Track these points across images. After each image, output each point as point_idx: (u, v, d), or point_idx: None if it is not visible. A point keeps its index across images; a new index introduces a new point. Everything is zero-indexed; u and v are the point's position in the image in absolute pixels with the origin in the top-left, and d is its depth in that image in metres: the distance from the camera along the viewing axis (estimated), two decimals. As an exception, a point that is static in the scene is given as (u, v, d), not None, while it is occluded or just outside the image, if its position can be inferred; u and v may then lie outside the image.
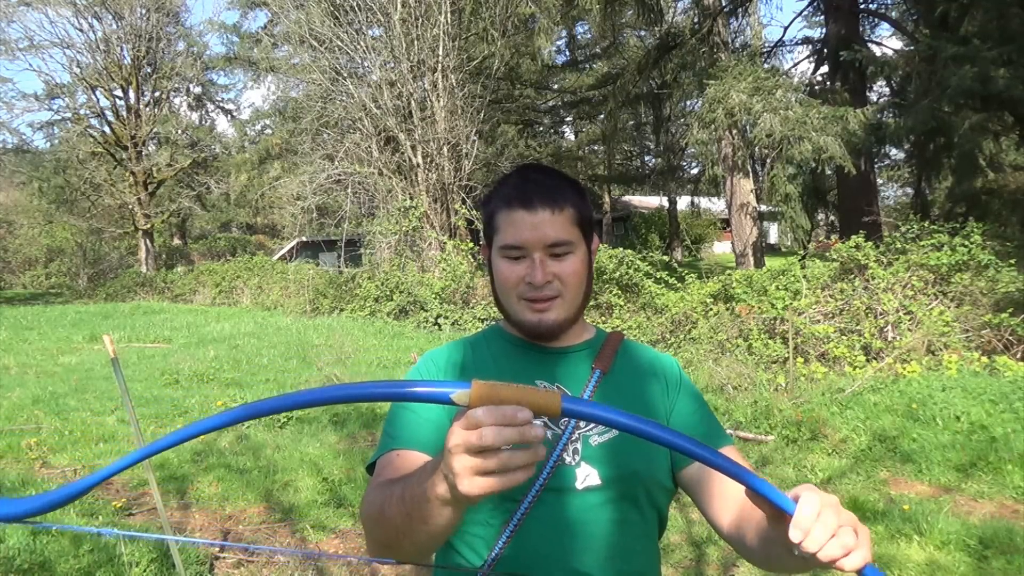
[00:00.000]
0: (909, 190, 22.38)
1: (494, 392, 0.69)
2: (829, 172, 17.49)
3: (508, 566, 1.04)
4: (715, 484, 1.08)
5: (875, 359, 7.20)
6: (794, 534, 0.72)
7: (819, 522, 0.72)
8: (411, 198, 15.20)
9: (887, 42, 30.77)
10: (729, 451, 1.11)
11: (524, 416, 0.68)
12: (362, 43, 15.78)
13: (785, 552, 0.79)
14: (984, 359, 6.64)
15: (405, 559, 0.89)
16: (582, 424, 1.08)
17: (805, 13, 20.46)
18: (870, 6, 17.12)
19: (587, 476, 1.06)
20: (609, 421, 0.73)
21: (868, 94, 16.21)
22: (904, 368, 6.60)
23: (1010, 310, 6.94)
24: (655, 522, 1.14)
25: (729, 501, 1.06)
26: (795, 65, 32.69)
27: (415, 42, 15.11)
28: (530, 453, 0.69)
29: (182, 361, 8.97)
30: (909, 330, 7.30)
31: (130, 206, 26.75)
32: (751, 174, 16.76)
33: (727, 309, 8.73)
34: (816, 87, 15.79)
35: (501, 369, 1.13)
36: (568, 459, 1.06)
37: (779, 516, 0.76)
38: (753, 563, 1.02)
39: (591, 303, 10.28)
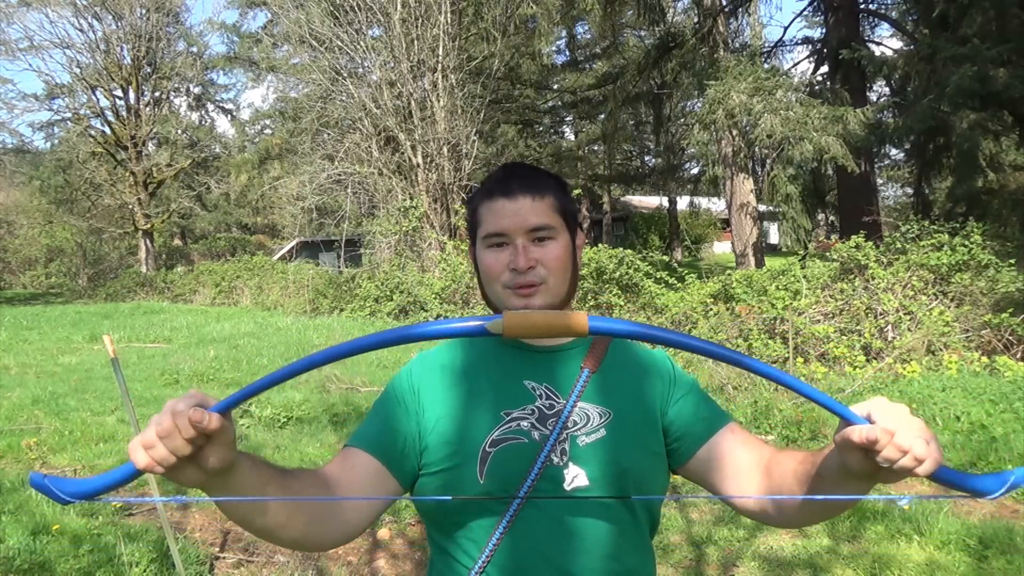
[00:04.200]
0: (909, 190, 22.36)
1: (525, 319, 0.77)
2: (829, 172, 17.50)
3: (500, 568, 1.04)
4: (728, 460, 1.09)
5: (875, 359, 7.20)
6: (878, 435, 0.75)
7: (903, 430, 0.75)
8: (411, 198, 15.21)
9: (887, 42, 30.79)
10: (732, 428, 1.13)
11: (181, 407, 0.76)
12: (362, 43, 15.78)
13: (841, 476, 0.85)
14: (984, 359, 6.63)
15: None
16: (570, 424, 1.08)
17: (805, 13, 20.44)
18: (870, 6, 17.11)
19: (575, 477, 1.05)
20: (639, 335, 0.78)
21: (868, 94, 16.21)
22: (904, 368, 6.59)
23: (1010, 310, 6.94)
24: (646, 521, 1.14)
25: (748, 473, 1.07)
26: (795, 65, 32.67)
27: (415, 42, 15.11)
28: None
29: (182, 361, 8.96)
30: (909, 330, 7.30)
31: (130, 206, 26.76)
32: (751, 174, 16.77)
33: (727, 309, 8.72)
34: (816, 87, 15.79)
35: (490, 370, 1.13)
36: (556, 459, 1.06)
37: (847, 439, 0.79)
38: (790, 521, 1.04)
39: (591, 303, 10.28)
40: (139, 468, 0.76)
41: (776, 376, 0.78)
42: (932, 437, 0.76)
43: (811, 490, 0.93)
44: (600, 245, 11.75)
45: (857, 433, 0.75)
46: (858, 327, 7.59)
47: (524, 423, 1.08)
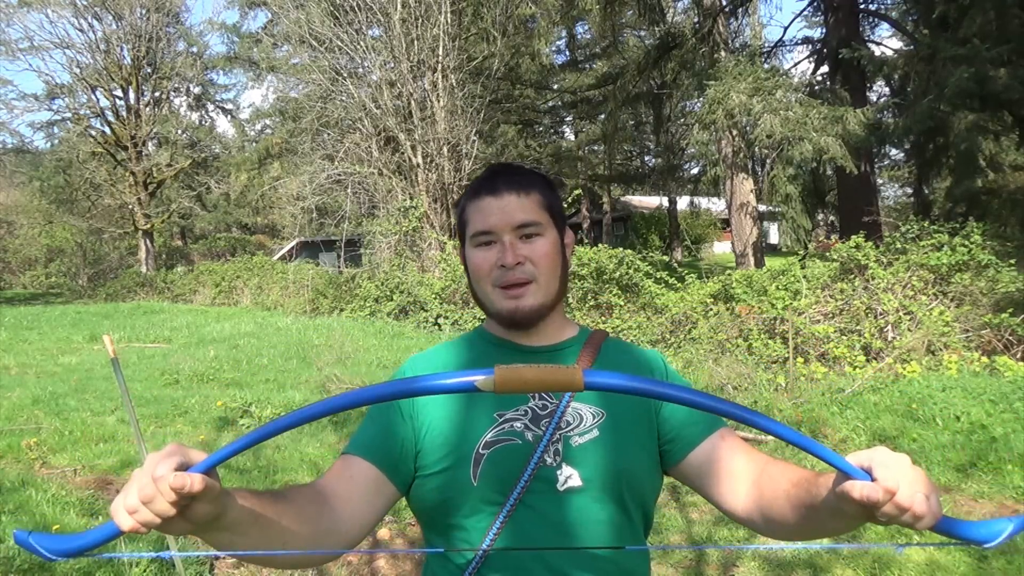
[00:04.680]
0: (909, 190, 22.38)
1: (517, 375, 0.74)
2: (829, 172, 17.50)
3: (495, 568, 1.04)
4: (722, 466, 1.08)
5: (875, 359, 7.20)
6: (880, 496, 0.74)
7: (904, 487, 0.74)
8: (411, 198, 15.21)
9: (887, 42, 30.77)
10: (725, 433, 1.12)
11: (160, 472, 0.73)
12: (362, 43, 15.77)
13: (835, 515, 0.84)
14: (984, 359, 6.64)
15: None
16: (563, 425, 1.08)
17: (805, 13, 20.44)
18: (870, 6, 17.11)
19: (568, 477, 1.05)
20: (635, 389, 0.75)
21: (868, 94, 16.21)
22: (904, 368, 6.60)
23: (1010, 310, 6.94)
24: (641, 520, 1.13)
25: (740, 480, 1.06)
26: (795, 65, 32.65)
27: (415, 42, 15.11)
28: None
29: (182, 361, 8.96)
30: (909, 330, 7.30)
31: (130, 206, 26.75)
32: (751, 174, 16.77)
33: (727, 309, 8.73)
34: (816, 87, 15.79)
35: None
36: (549, 460, 1.06)
37: (842, 479, 0.79)
38: (778, 536, 1.03)
39: (591, 303, 10.28)
40: (123, 531, 0.74)
41: (779, 432, 0.78)
42: (932, 490, 0.76)
43: (805, 517, 0.93)
44: (600, 245, 11.74)
45: (858, 491, 0.75)
46: (858, 327, 7.59)
47: (517, 424, 1.08)
